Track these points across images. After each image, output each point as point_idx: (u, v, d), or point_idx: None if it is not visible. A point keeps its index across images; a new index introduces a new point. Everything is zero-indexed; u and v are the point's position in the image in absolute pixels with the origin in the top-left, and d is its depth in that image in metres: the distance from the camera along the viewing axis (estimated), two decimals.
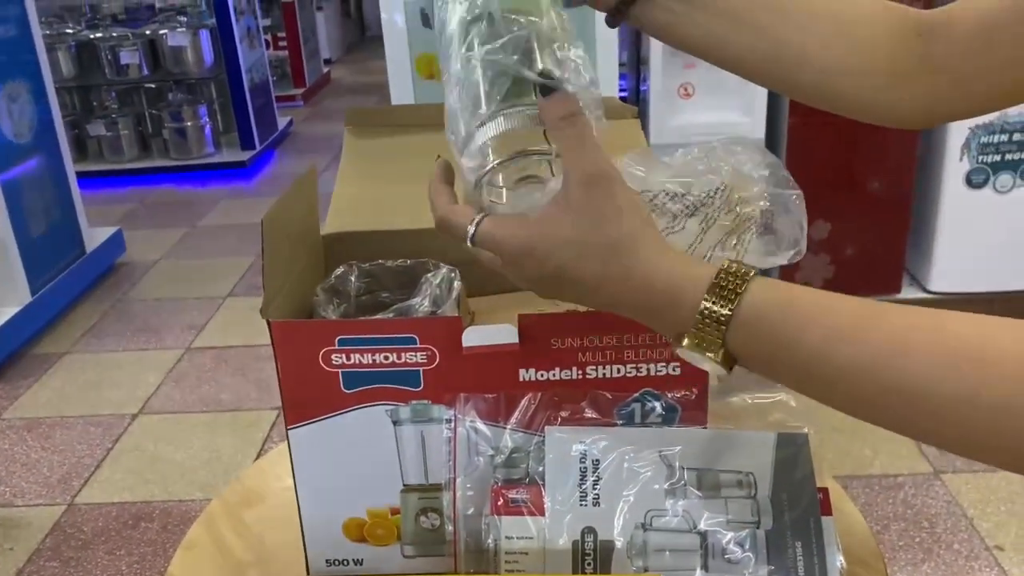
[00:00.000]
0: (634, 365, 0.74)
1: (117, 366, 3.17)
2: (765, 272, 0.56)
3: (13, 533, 2.33)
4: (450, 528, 0.74)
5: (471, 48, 0.61)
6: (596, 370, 0.74)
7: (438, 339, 0.72)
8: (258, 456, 2.60)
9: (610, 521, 0.69)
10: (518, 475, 0.73)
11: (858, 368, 0.51)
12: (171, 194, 5.14)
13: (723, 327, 0.54)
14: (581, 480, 0.70)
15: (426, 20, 2.76)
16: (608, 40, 2.78)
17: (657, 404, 0.74)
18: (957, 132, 2.76)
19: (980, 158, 2.78)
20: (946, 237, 2.90)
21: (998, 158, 2.78)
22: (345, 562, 0.81)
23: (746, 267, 0.54)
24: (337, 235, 0.91)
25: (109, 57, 5.38)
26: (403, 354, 0.73)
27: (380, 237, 0.90)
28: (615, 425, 0.74)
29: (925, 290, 2.99)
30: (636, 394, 0.74)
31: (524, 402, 0.74)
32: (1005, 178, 2.80)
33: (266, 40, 6.41)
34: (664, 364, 0.74)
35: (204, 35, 5.43)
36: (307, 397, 0.75)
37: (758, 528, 0.68)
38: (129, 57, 5.37)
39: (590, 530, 0.69)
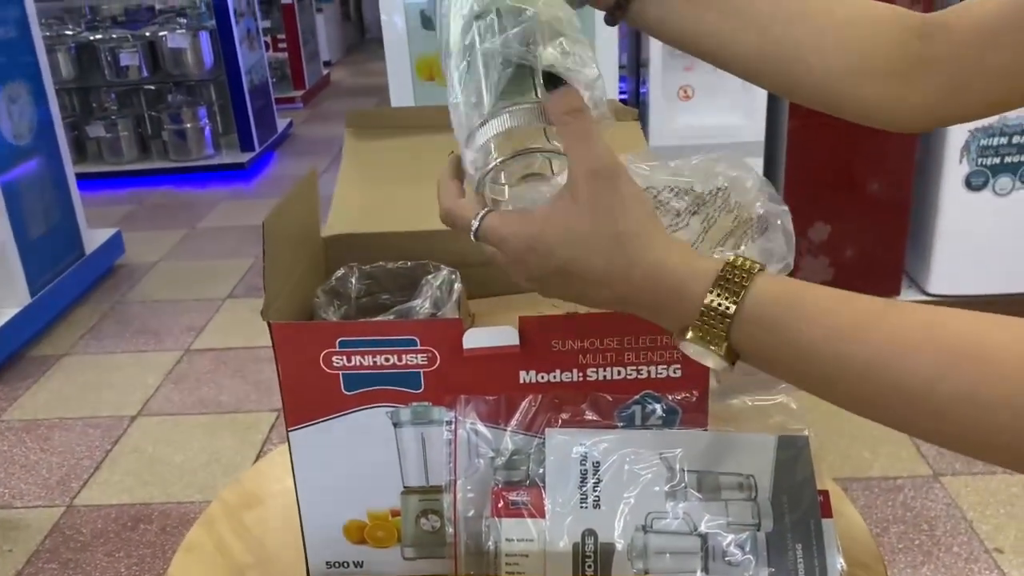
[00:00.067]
0: (635, 367, 0.74)
1: (116, 368, 3.17)
2: None
3: (12, 535, 2.33)
4: (450, 530, 0.74)
5: (474, 43, 0.61)
6: (597, 372, 0.74)
7: (439, 341, 0.72)
8: (257, 458, 2.60)
9: (610, 523, 0.69)
10: (518, 477, 0.73)
11: (859, 365, 0.51)
12: (170, 196, 5.14)
13: (727, 321, 0.54)
14: (581, 482, 0.70)
15: (426, 22, 2.76)
16: (608, 42, 2.79)
17: (658, 406, 0.74)
18: (957, 135, 2.77)
19: (979, 161, 2.78)
20: (945, 239, 2.90)
21: (997, 161, 2.78)
22: (345, 564, 0.81)
23: (752, 262, 0.55)
24: (338, 237, 0.91)
25: (109, 59, 5.39)
26: (404, 356, 0.73)
27: (381, 239, 0.90)
28: (616, 427, 0.74)
29: (924, 292, 2.99)
30: (637, 396, 0.74)
31: (524, 404, 0.74)
32: (1004, 181, 2.80)
33: (266, 42, 6.42)
34: (665, 366, 0.74)
35: (204, 37, 5.43)
36: (308, 399, 0.75)
37: (758, 530, 0.68)
38: (129, 59, 5.37)
39: (590, 532, 0.69)
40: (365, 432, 0.75)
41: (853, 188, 2.91)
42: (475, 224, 0.60)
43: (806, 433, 0.72)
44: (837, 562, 0.68)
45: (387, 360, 0.73)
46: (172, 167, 5.43)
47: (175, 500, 2.43)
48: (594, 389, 0.74)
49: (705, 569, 0.68)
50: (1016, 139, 2.75)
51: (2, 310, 3.20)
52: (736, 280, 0.54)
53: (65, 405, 2.93)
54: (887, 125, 0.72)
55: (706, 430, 0.74)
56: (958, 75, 0.67)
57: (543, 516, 0.70)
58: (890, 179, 2.89)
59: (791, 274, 0.67)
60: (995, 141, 2.75)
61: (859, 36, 0.70)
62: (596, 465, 0.71)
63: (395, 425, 0.75)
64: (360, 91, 7.81)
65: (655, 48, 2.90)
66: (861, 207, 2.92)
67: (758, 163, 2.97)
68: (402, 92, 2.84)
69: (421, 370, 0.73)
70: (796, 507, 0.69)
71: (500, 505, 0.71)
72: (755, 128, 2.94)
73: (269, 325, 0.72)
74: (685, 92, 2.96)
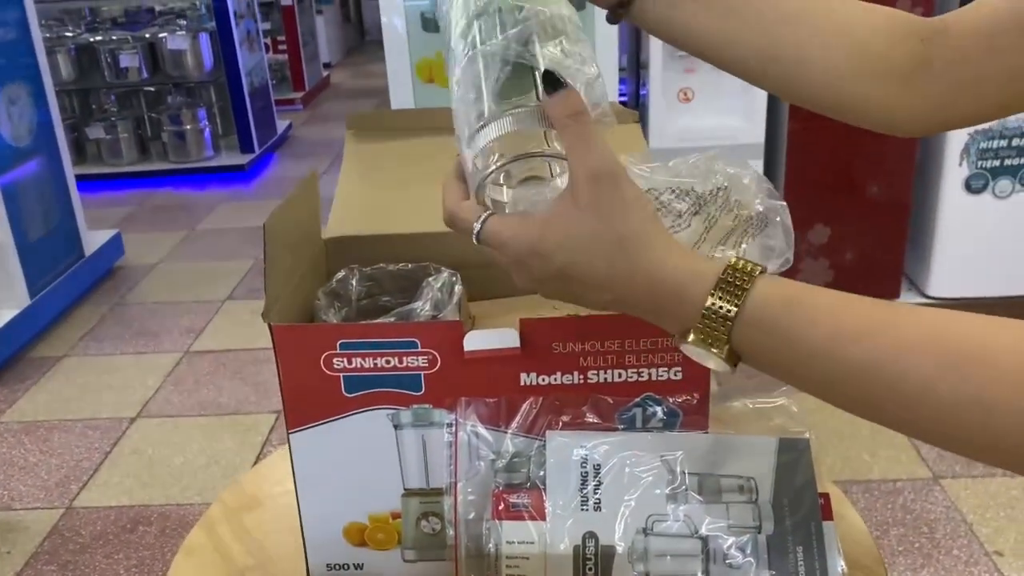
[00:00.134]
0: (635, 370, 0.74)
1: (116, 369, 3.16)
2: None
3: (11, 537, 2.33)
4: (451, 532, 0.74)
5: (474, 42, 0.61)
6: (597, 374, 0.74)
7: (439, 343, 0.72)
8: (257, 460, 2.60)
9: (611, 526, 0.69)
10: (519, 480, 0.73)
11: (861, 368, 0.51)
12: (170, 197, 5.14)
13: (729, 323, 0.54)
14: (582, 485, 0.70)
15: (426, 24, 2.76)
16: (608, 44, 2.79)
17: (658, 409, 0.74)
18: (956, 137, 2.77)
19: (979, 163, 2.78)
20: (945, 242, 2.90)
21: (997, 163, 2.78)
22: (346, 566, 0.81)
23: (753, 264, 0.55)
24: (338, 239, 0.91)
25: (109, 60, 5.39)
26: (404, 358, 0.73)
27: (381, 241, 0.90)
28: (616, 430, 0.74)
29: (924, 295, 3.00)
30: (637, 399, 0.74)
31: (525, 406, 0.74)
32: (1004, 183, 2.80)
33: (266, 44, 6.42)
34: (666, 369, 0.74)
35: (204, 38, 5.43)
36: (308, 401, 0.75)
37: (759, 533, 0.68)
38: (129, 60, 5.37)
39: (591, 535, 0.69)
40: (366, 434, 0.75)
41: (853, 190, 2.91)
42: (477, 227, 0.60)
43: (807, 436, 0.72)
44: (838, 565, 0.68)
45: (388, 362, 0.73)
46: (172, 169, 5.43)
47: (175, 502, 2.43)
48: (595, 391, 0.74)
49: (706, 572, 0.67)
50: (1016, 142, 2.75)
51: (1, 311, 3.20)
52: (737, 282, 0.54)
53: (64, 407, 2.93)
54: (887, 128, 0.72)
55: (707, 433, 0.74)
56: (959, 78, 0.67)
57: (544, 519, 0.70)
58: (890, 181, 2.89)
59: (791, 269, 0.68)
60: (995, 144, 2.76)
61: (859, 37, 0.70)
62: (597, 467, 0.71)
63: (396, 427, 0.75)
64: (360, 93, 7.81)
65: (655, 50, 2.90)
66: (861, 209, 2.92)
67: (758, 165, 2.97)
68: (402, 94, 2.85)
69: (422, 372, 0.73)
70: (797, 510, 0.69)
71: (501, 508, 0.71)
72: (755, 130, 2.94)
73: (270, 327, 0.72)
74: (685, 94, 2.96)
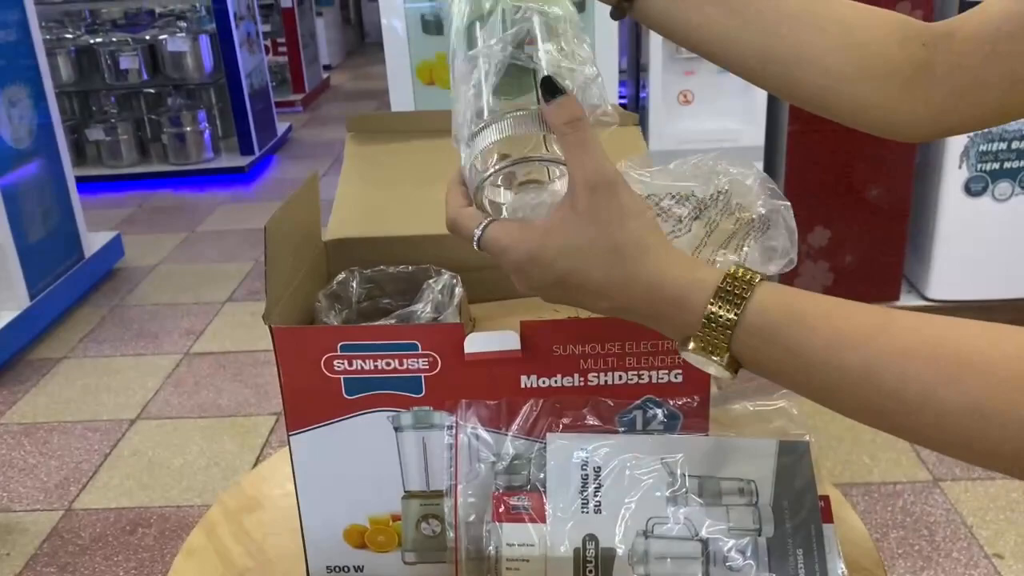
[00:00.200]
0: (636, 372, 0.74)
1: (115, 371, 3.16)
2: (768, 279, 0.56)
3: (10, 539, 2.33)
4: (451, 535, 0.74)
5: (475, 43, 0.61)
6: (598, 377, 0.74)
7: (440, 345, 0.72)
8: (257, 462, 2.60)
9: (611, 528, 0.69)
10: (519, 482, 0.73)
11: (861, 375, 0.51)
12: (170, 199, 5.14)
13: (729, 331, 0.54)
14: (582, 487, 0.70)
15: (426, 26, 2.76)
16: (608, 46, 2.79)
17: (659, 411, 0.74)
18: (956, 140, 2.77)
19: (979, 166, 2.78)
20: (945, 245, 2.90)
21: (997, 166, 2.78)
22: (346, 568, 0.81)
23: (753, 272, 0.55)
24: (339, 241, 0.91)
25: (109, 62, 5.39)
26: (405, 360, 0.73)
27: (382, 243, 0.90)
28: (617, 432, 0.74)
29: (924, 298, 3.00)
30: (638, 401, 0.74)
31: (525, 409, 0.74)
32: (1004, 186, 2.80)
33: (266, 46, 6.42)
34: (666, 371, 0.74)
35: (204, 40, 5.43)
36: (309, 403, 0.75)
37: (759, 536, 0.68)
38: (129, 62, 5.37)
39: (591, 537, 0.69)
40: (366, 436, 0.75)
41: (853, 193, 2.91)
42: (477, 233, 0.60)
43: (807, 438, 0.72)
44: (838, 567, 0.68)
45: (388, 364, 0.73)
46: (172, 170, 5.43)
47: (174, 504, 2.43)
48: (595, 394, 0.74)
49: (706, 574, 0.67)
50: (1015, 144, 2.75)
51: (1, 313, 3.20)
52: (736, 291, 0.54)
53: (64, 408, 2.93)
54: (888, 132, 0.72)
55: (707, 435, 0.74)
56: (960, 82, 0.67)
57: (544, 521, 0.70)
58: (890, 184, 2.89)
59: (791, 272, 0.68)
60: (994, 146, 2.76)
61: (861, 38, 0.70)
62: (597, 470, 0.71)
63: (396, 429, 0.75)
64: (360, 95, 7.82)
65: (655, 52, 2.90)
66: (861, 212, 2.92)
67: (758, 167, 2.96)
68: (402, 96, 2.85)
69: (422, 374, 0.73)
70: (797, 512, 0.69)
71: (501, 510, 0.71)
72: (755, 133, 2.94)
73: (271, 329, 0.72)
74: (685, 96, 2.96)
